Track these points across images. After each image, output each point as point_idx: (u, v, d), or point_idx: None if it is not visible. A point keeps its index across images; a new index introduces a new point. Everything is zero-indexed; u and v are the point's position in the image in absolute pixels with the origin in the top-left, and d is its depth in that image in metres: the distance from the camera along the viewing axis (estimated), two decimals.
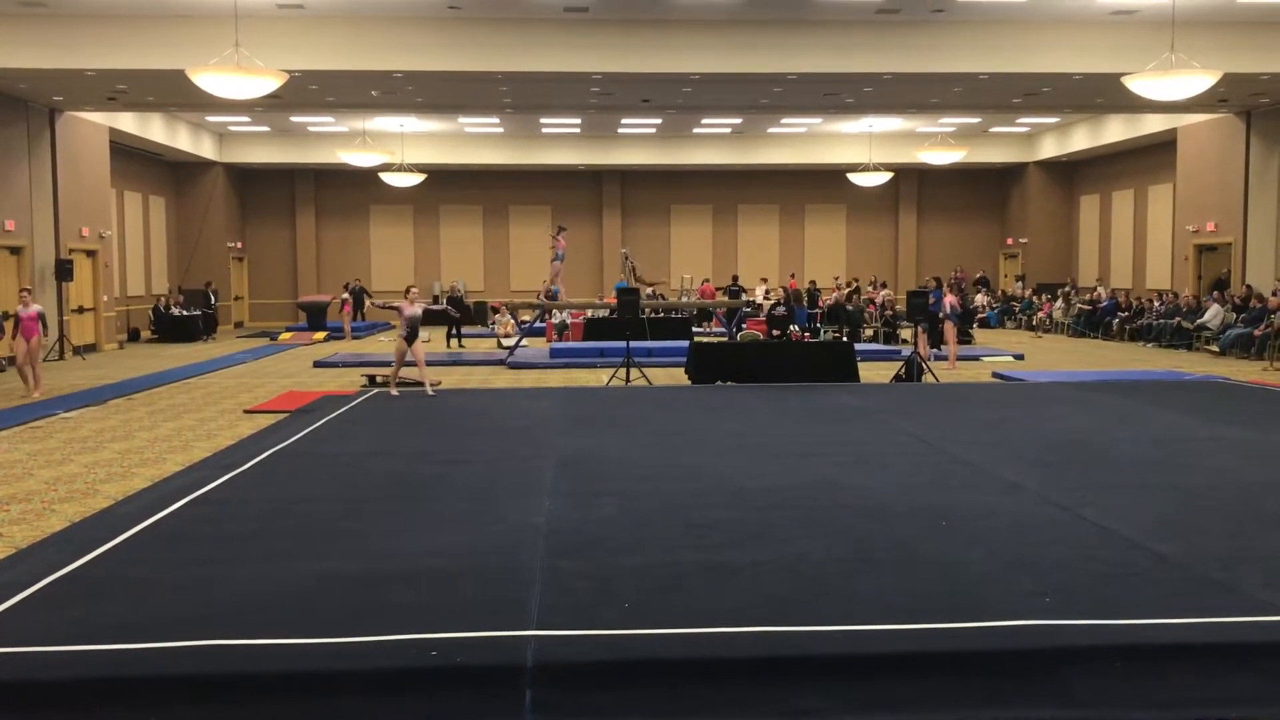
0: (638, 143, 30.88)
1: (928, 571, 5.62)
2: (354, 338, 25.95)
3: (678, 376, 15.92)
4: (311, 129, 28.57)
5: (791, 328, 17.37)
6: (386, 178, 28.28)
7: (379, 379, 15.18)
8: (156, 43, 16.58)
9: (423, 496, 7.60)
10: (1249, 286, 21.79)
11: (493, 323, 26.38)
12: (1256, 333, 19.46)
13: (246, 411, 12.63)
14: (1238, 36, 17.49)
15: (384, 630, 4.66)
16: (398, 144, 28.13)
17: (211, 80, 14.25)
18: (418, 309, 14.07)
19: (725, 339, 20.20)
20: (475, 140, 30.25)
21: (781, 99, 21.10)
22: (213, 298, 28.19)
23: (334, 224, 33.26)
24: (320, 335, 25.70)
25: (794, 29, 17.44)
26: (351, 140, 28.19)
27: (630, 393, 14.26)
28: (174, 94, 19.44)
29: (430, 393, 13.69)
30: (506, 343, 21.96)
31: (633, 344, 15.90)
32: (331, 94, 20.11)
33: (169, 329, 25.50)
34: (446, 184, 32.21)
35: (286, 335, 26.05)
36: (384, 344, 24.34)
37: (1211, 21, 17.19)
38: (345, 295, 27.24)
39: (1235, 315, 20.91)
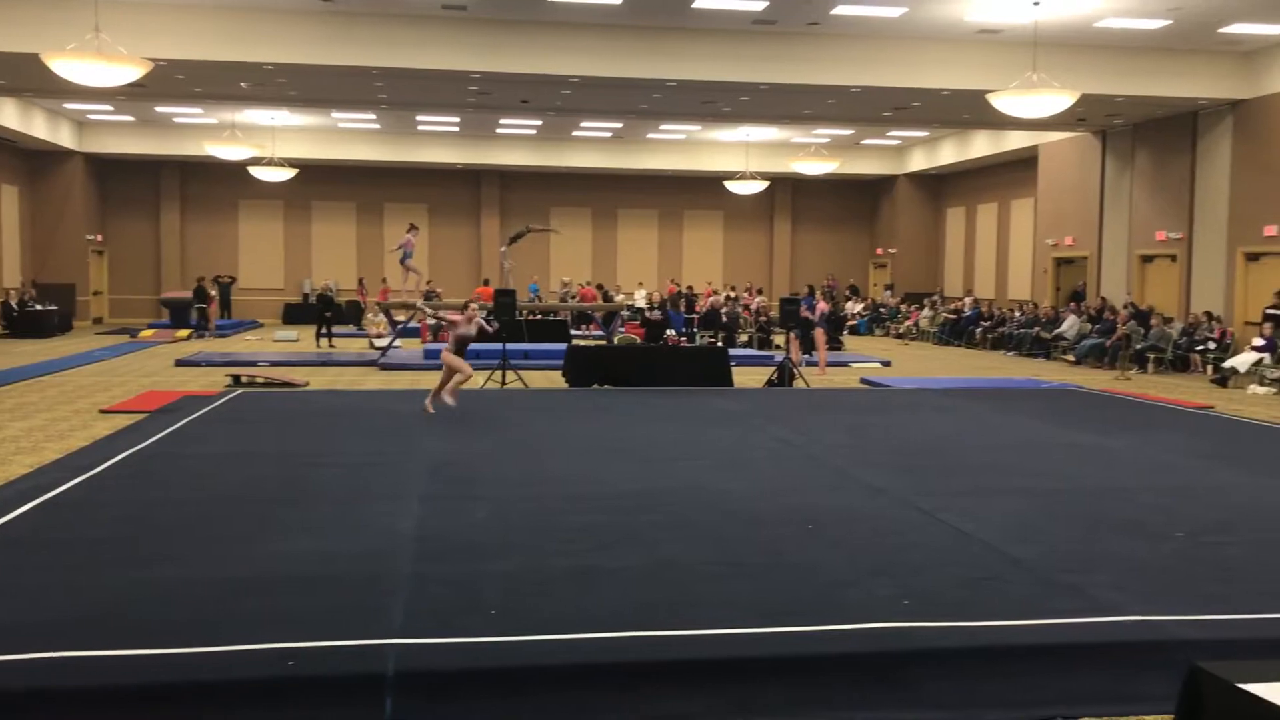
0: (517, 143, 30.72)
1: (793, 575, 5.69)
2: (216, 335, 25.17)
3: (555, 380, 15.86)
4: (178, 120, 27.62)
5: (668, 332, 17.47)
6: (256, 172, 27.52)
7: (245, 379, 14.69)
8: (9, 22, 15.82)
9: (286, 500, 7.38)
10: (1103, 299, 22.79)
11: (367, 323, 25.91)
12: (1109, 343, 20.35)
13: (103, 411, 12.10)
14: (1095, 59, 18.28)
15: (239, 639, 4.51)
16: (269, 137, 27.39)
17: (69, 66, 13.64)
18: (473, 328, 12.17)
19: (603, 342, 20.21)
20: (350, 136, 29.67)
21: (660, 105, 21.24)
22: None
23: (200, 218, 32.23)
24: (184, 333, 24.84)
25: (673, 36, 17.58)
26: (220, 132, 27.34)
27: (505, 396, 14.15)
28: (28, 79, 18.54)
29: (431, 410, 11.83)
30: (379, 343, 21.56)
31: (509, 346, 15.78)
32: (199, 84, 19.48)
33: (22, 324, 24.33)
34: (319, 179, 31.52)
35: (148, 333, 25.12)
36: (250, 342, 23.68)
37: (1071, 44, 17.93)
38: (212, 291, 26.41)
39: (1090, 326, 21.84)
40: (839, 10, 16.36)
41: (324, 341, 22.43)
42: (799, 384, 15.85)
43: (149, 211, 31.89)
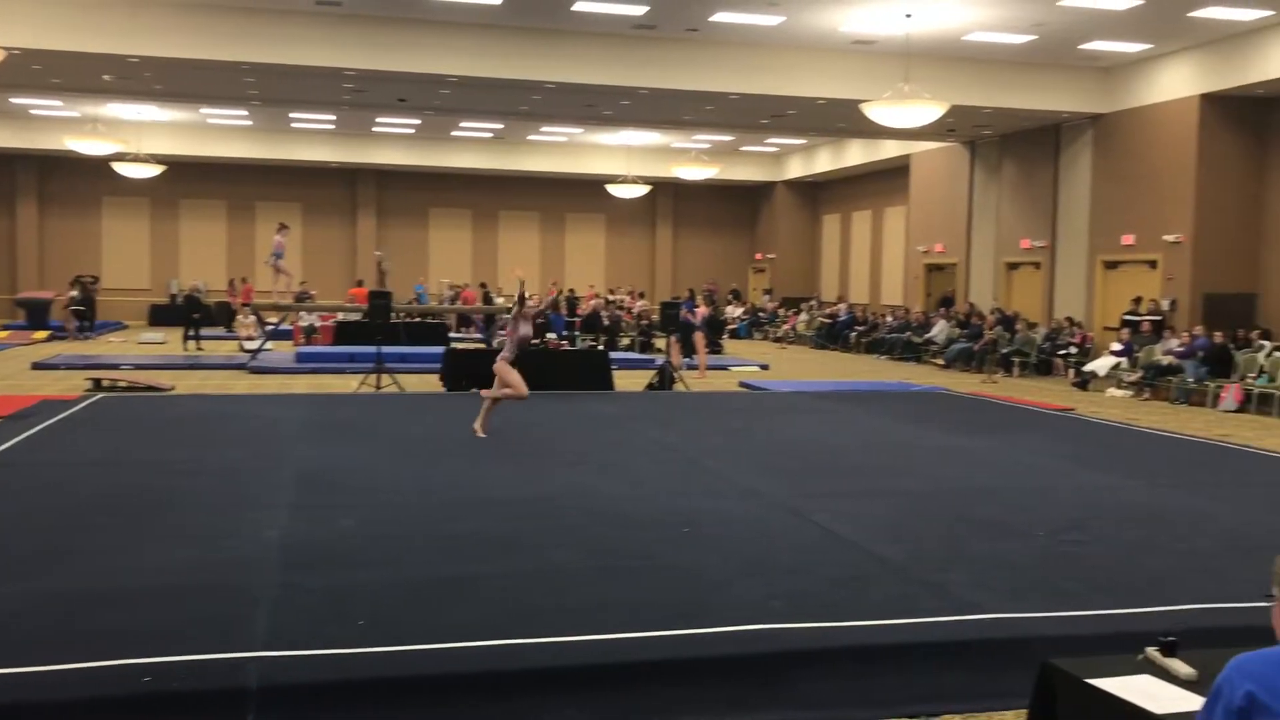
0: (395, 142, 30.27)
1: (670, 578, 5.71)
2: (82, 338, 24.18)
3: (433, 383, 15.65)
4: (35, 112, 26.44)
5: (549, 335, 17.41)
6: (121, 168, 26.49)
7: (106, 382, 14.06)
8: None
9: (147, 510, 7.10)
10: (971, 304, 23.51)
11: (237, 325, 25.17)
12: (976, 347, 21.01)
13: None
14: (964, 72, 18.86)
15: (94, 655, 4.31)
16: (134, 133, 26.39)
17: None
18: (529, 327, 11.13)
19: (482, 345, 20.02)
20: (220, 132, 28.81)
21: (541, 107, 21.16)
22: None
23: (60, 215, 30.90)
24: (42, 334, 23.78)
25: (553, 38, 17.53)
26: (82, 126, 26.21)
27: (381, 400, 13.91)
28: None
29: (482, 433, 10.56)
30: (249, 346, 20.97)
31: (386, 349, 15.51)
32: (58, 76, 18.65)
33: None
34: (188, 177, 30.53)
35: (3, 334, 23.95)
36: (113, 345, 22.78)
37: (941, 56, 18.46)
38: (73, 292, 25.34)
39: (959, 331, 22.51)
40: (718, 17, 16.54)
41: (191, 344, 21.73)
42: (679, 387, 15.95)
43: (3, 208, 30.44)
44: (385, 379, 14.94)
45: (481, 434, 10.40)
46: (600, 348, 19.50)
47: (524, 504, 7.51)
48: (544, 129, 27.79)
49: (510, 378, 10.44)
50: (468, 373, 15.10)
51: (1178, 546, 6.71)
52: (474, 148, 30.68)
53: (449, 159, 30.93)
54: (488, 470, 8.79)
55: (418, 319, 23.80)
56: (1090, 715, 3.18)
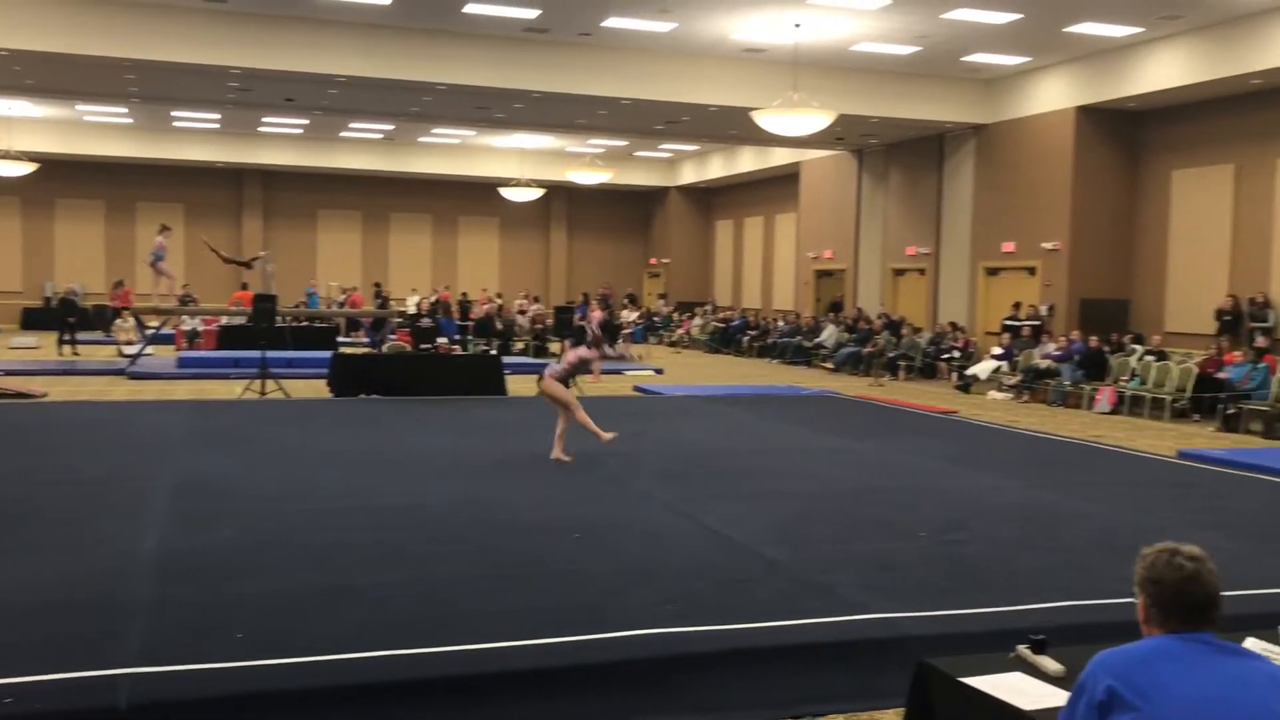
0: (282, 143, 29.62)
1: (559, 585, 5.68)
2: None
3: (319, 389, 15.34)
4: None
5: (439, 340, 17.22)
6: None
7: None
8: None
9: (15, 521, 6.80)
10: (859, 309, 24.00)
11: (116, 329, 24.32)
12: (864, 351, 21.43)
13: None
14: (851, 82, 19.24)
15: None
16: (4, 129, 25.30)
17: None
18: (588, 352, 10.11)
19: (371, 349, 19.72)
20: (98, 130, 27.83)
21: (432, 108, 20.95)
22: None
23: None
24: None
25: (444, 39, 17.36)
26: None
27: (265, 406, 13.59)
28: None
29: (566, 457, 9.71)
30: (128, 350, 20.28)
31: (271, 354, 15.16)
32: None
33: None
34: (64, 175, 29.42)
35: None
36: None
37: (830, 66, 18.80)
38: None
39: (847, 335, 22.94)
40: (610, 23, 16.57)
41: (67, 348, 20.93)
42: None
43: None
44: (270, 384, 14.60)
45: (566, 458, 9.56)
46: (493, 352, 19.36)
47: (410, 512, 7.40)
48: (436, 131, 27.51)
49: (562, 395, 9.77)
50: (356, 378, 14.85)
51: (1052, 545, 6.93)
52: (364, 148, 30.20)
53: (338, 160, 30.40)
54: (373, 478, 8.64)
55: (305, 323, 23.32)
56: (964, 713, 3.26)
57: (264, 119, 26.18)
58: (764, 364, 24.05)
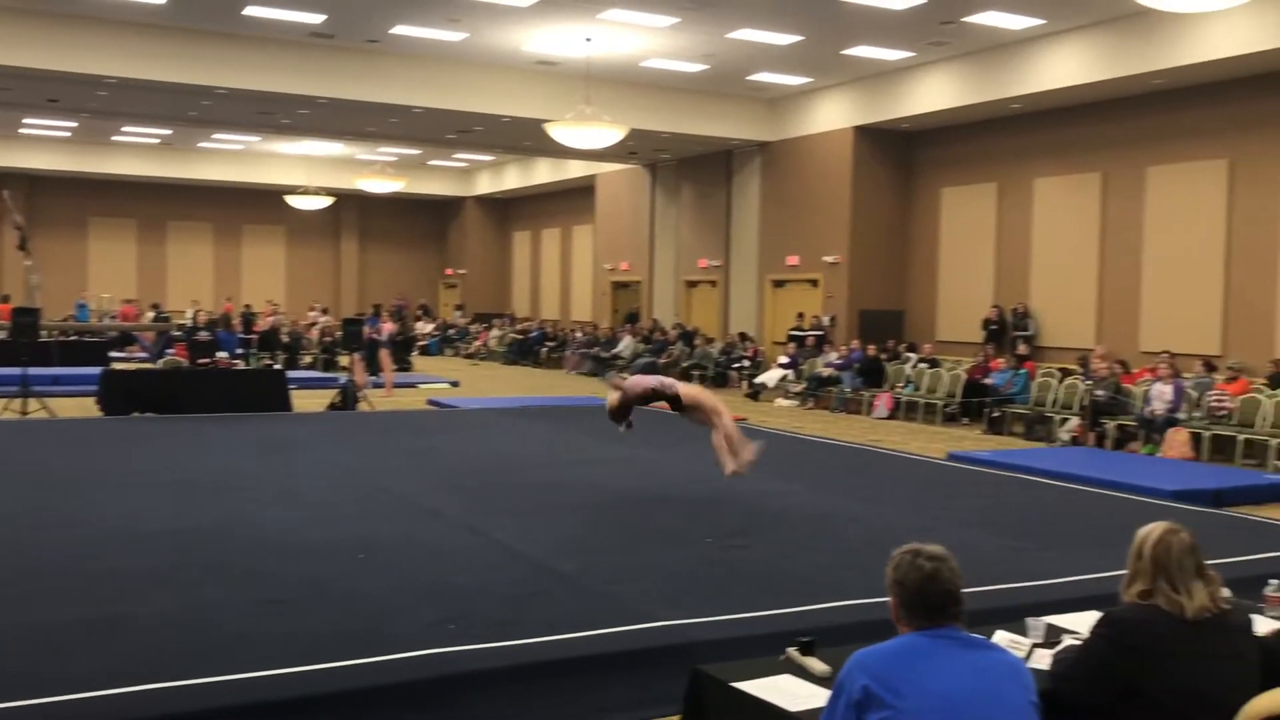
0: (47, 146, 27.76)
1: (340, 608, 5.50)
2: None
3: (89, 408, 14.41)
4: None
5: (219, 354, 16.46)
6: None
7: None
8: None
9: None
10: (655, 320, 24.39)
11: None
12: (660, 361, 21.77)
13: None
14: (643, 97, 19.55)
15: None
16: None
17: None
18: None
19: (148, 364, 18.69)
20: None
21: (212, 113, 20.08)
22: None
23: None
24: None
25: (224, 42, 16.67)
26: None
27: (26, 427, 12.67)
28: None
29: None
30: None
31: (33, 371, 14.13)
32: None
33: None
34: None
35: None
36: None
37: (621, 81, 19.04)
38: None
39: (643, 346, 23.26)
40: (399, 30, 16.29)
41: None
42: (364, 407, 15.53)
43: None
44: (32, 403, 13.62)
45: (737, 467, 8.75)
46: (276, 366, 18.67)
47: (182, 536, 7.02)
48: (217, 136, 26.39)
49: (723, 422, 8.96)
50: (128, 395, 14.05)
51: (830, 546, 7.20)
52: (139, 153, 28.63)
53: (110, 165, 28.69)
54: (143, 501, 8.16)
55: (74, 337, 21.92)
56: (735, 717, 3.32)
57: (25, 120, 24.47)
58: (561, 375, 24.09)
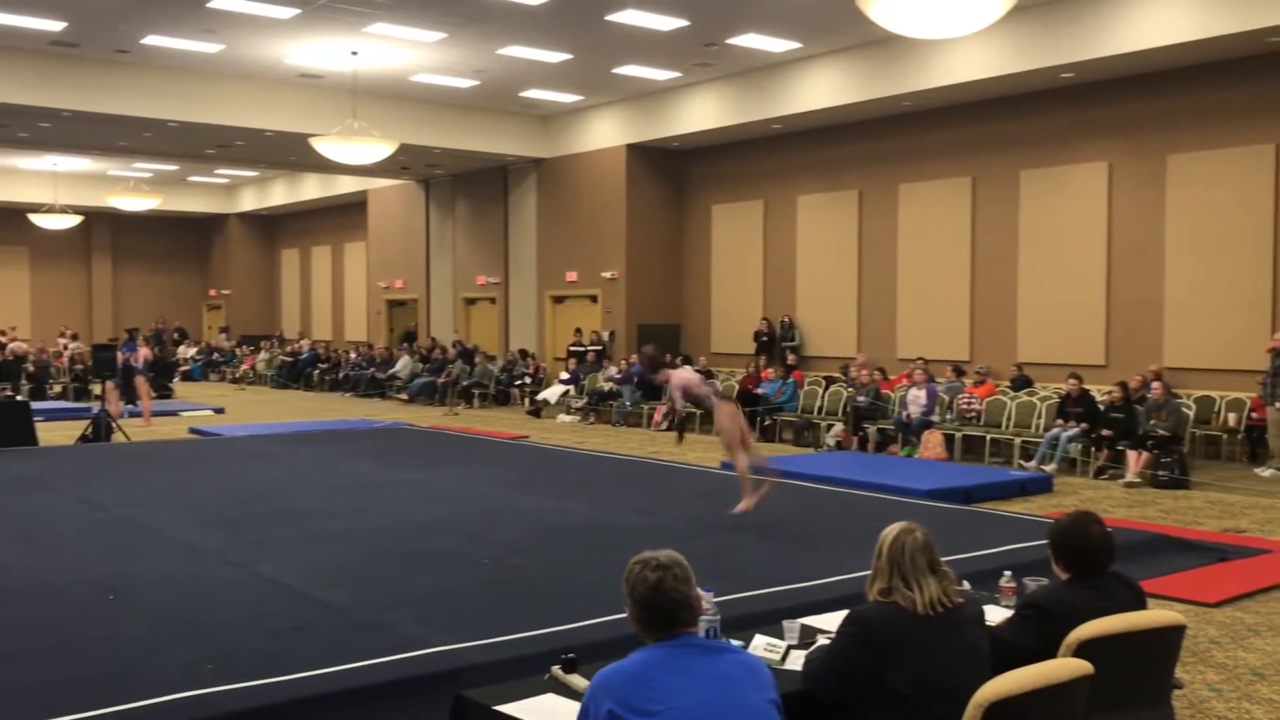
0: None
1: (85, 654, 5.12)
2: None
3: None
4: None
5: None
6: None
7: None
8: None
9: None
10: (433, 339, 24.02)
11: None
12: (439, 381, 21.46)
13: None
14: (414, 112, 19.26)
15: None
16: None
17: None
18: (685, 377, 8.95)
19: None
20: None
21: None
22: None
23: None
24: None
25: None
26: None
27: None
28: None
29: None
30: None
31: None
32: None
33: None
34: None
35: None
36: None
37: (390, 95, 18.71)
38: None
39: (422, 365, 22.87)
40: (150, 40, 15.47)
41: None
42: (118, 438, 14.60)
43: None
44: None
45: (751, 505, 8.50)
46: (19, 397, 17.34)
47: None
48: None
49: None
50: None
51: (605, 561, 7.23)
52: None
53: None
54: None
55: None
56: None
57: None
58: (336, 398, 23.40)
